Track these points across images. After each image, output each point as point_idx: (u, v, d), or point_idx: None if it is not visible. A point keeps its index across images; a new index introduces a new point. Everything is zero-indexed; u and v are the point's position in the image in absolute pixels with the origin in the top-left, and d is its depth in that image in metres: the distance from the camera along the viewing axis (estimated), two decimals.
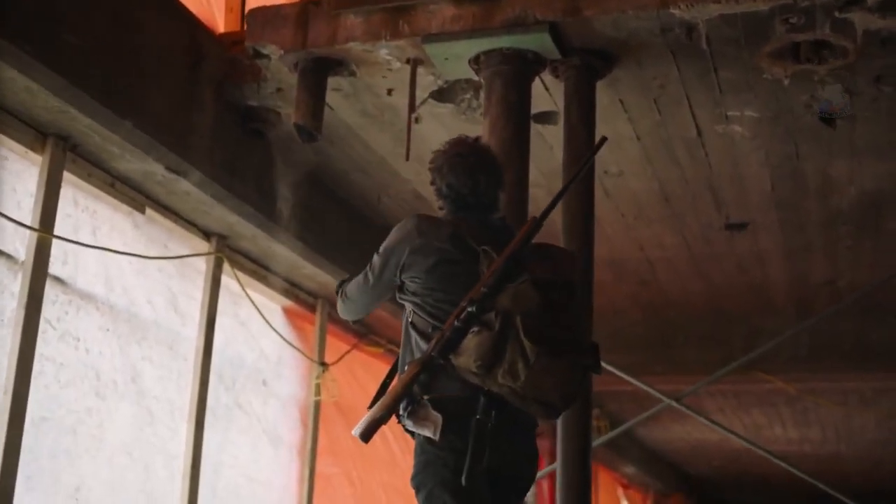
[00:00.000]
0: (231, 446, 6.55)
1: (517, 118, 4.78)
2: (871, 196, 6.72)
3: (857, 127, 5.70)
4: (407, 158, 5.09)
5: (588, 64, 4.95)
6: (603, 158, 6.08)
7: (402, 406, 3.48)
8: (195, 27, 5.40)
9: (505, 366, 3.31)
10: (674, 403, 6.80)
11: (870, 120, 5.62)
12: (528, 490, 3.63)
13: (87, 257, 5.33)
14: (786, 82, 5.15)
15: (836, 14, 4.54)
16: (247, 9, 5.98)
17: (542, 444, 11.70)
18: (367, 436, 3.55)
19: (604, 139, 3.94)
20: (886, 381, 10.23)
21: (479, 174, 3.76)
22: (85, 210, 5.36)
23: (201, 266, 6.20)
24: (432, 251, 3.59)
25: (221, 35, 5.70)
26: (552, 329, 3.37)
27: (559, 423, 4.76)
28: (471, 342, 3.37)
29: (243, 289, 6.40)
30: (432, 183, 3.84)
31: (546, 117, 5.68)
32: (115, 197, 5.44)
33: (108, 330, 5.43)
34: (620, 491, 15.74)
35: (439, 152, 3.85)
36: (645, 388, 6.96)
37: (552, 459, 11.29)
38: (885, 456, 16.12)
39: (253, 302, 6.51)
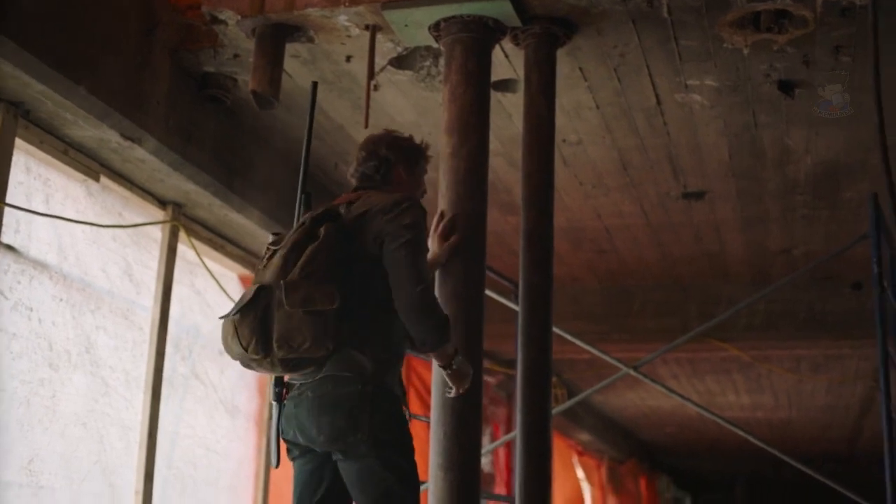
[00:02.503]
0: (188, 416, 6.50)
1: (477, 86, 4.72)
2: (827, 166, 6.77)
3: (815, 97, 5.71)
4: (366, 126, 5.03)
5: (549, 32, 4.91)
6: (562, 127, 6.05)
7: None
8: None
9: None
10: (632, 371, 6.82)
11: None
12: (353, 453, 3.50)
13: (39, 226, 5.23)
14: (745, 51, 5.16)
15: None
16: None
17: (499, 412, 11.74)
18: None
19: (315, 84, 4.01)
20: (838, 349, 10.37)
21: (360, 150, 4.02)
22: (37, 178, 5.25)
23: (157, 235, 6.12)
24: None
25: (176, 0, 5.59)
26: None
27: (518, 391, 4.75)
28: None
29: (200, 258, 6.33)
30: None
31: (505, 85, 5.64)
32: (68, 164, 5.34)
33: (61, 300, 5.35)
34: (575, 458, 15.85)
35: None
36: (602, 355, 6.97)
37: (508, 428, 11.35)
38: (835, 421, 16.37)
39: (209, 271, 6.44)
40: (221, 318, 3.53)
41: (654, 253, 8.73)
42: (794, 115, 5.95)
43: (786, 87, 5.54)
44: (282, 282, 3.38)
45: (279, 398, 3.56)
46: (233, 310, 3.47)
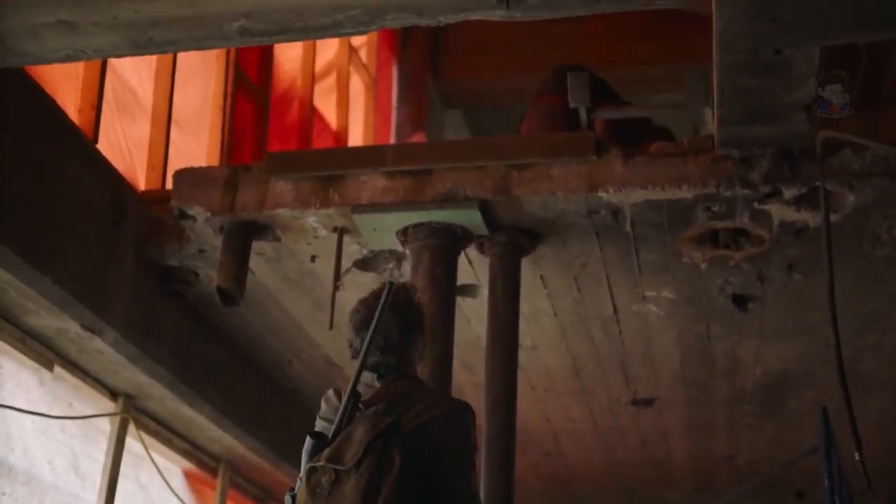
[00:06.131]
0: None
1: (443, 292, 4.80)
2: (775, 377, 6.88)
3: (767, 311, 5.87)
4: (331, 327, 5.05)
5: (515, 241, 5.03)
6: (519, 332, 6.11)
7: None
8: (118, 183, 5.34)
9: None
10: None
11: (779, 304, 5.80)
12: None
13: None
14: (703, 266, 5.31)
15: (756, 205, 4.73)
16: (169, 168, 5.97)
17: None
18: None
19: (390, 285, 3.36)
20: None
21: (362, 332, 3.28)
22: None
23: (105, 426, 5.99)
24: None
25: (143, 192, 5.64)
26: None
27: None
28: None
29: (147, 451, 6.19)
30: None
31: (466, 290, 5.70)
32: (23, 352, 5.25)
33: (4, 493, 5.17)
34: None
35: None
36: None
37: None
38: None
39: (156, 465, 6.29)
40: None
41: (601, 457, 8.72)
42: (746, 327, 6.08)
43: (740, 301, 5.69)
44: None
45: None
46: None
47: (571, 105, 4.87)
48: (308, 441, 3.16)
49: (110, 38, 3.64)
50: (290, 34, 3.55)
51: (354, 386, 3.21)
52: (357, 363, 3.22)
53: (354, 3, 3.38)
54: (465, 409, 3.25)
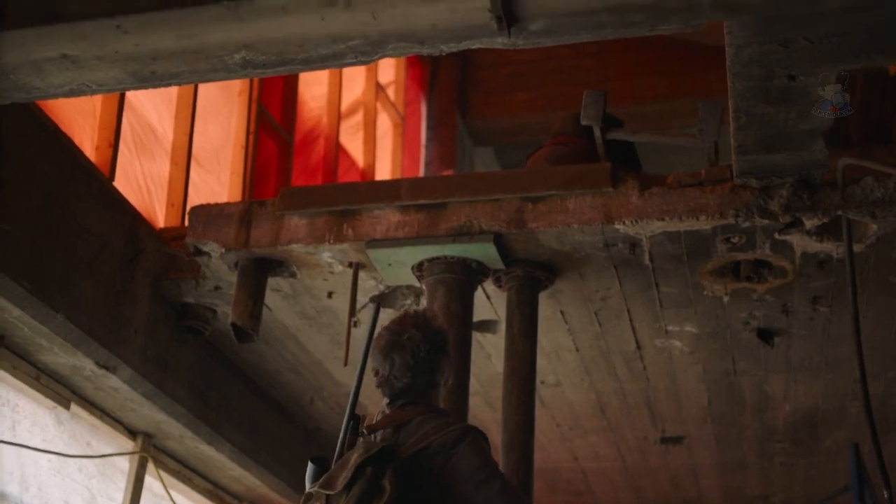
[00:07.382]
0: None
1: (459, 328, 4.72)
2: (805, 413, 6.73)
3: (793, 345, 5.75)
4: (345, 364, 4.99)
5: (531, 275, 4.95)
6: (541, 368, 6.01)
7: None
8: (135, 220, 5.34)
9: None
10: None
11: (805, 338, 5.68)
12: None
13: (2, 453, 5.08)
14: (725, 299, 5.20)
15: (776, 236, 4.63)
16: (189, 204, 5.96)
17: None
18: None
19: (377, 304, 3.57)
20: None
21: (391, 355, 3.38)
22: (6, 404, 5.14)
23: (124, 466, 5.94)
24: None
25: (161, 229, 5.64)
26: None
27: None
28: None
29: (167, 491, 6.14)
30: None
31: (486, 326, 5.64)
32: (39, 391, 5.22)
33: None
34: None
35: None
36: None
37: None
38: None
39: None
40: None
41: (631, 497, 8.57)
42: (773, 362, 5.96)
43: (765, 335, 5.57)
44: None
45: None
46: None
47: (583, 122, 4.82)
48: (309, 466, 3.15)
49: (113, 72, 3.64)
50: (291, 65, 3.52)
51: (352, 410, 3.22)
52: (353, 388, 3.22)
53: (354, 33, 3.35)
54: (465, 433, 3.22)
